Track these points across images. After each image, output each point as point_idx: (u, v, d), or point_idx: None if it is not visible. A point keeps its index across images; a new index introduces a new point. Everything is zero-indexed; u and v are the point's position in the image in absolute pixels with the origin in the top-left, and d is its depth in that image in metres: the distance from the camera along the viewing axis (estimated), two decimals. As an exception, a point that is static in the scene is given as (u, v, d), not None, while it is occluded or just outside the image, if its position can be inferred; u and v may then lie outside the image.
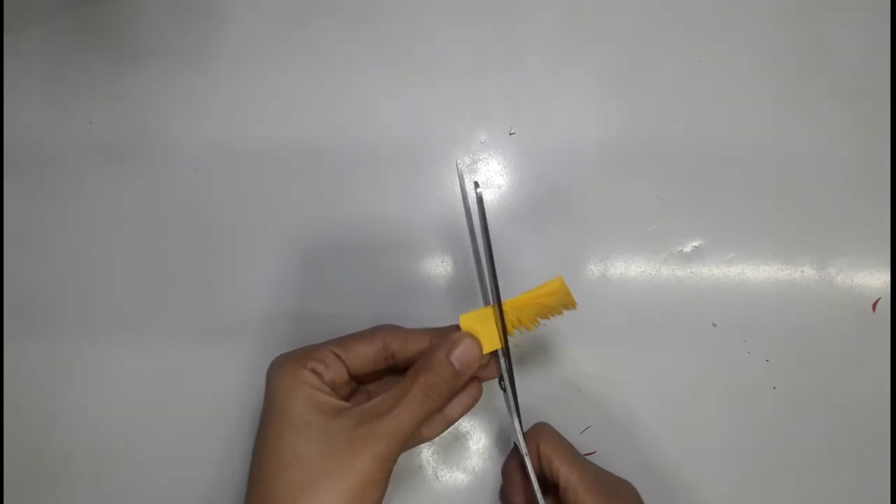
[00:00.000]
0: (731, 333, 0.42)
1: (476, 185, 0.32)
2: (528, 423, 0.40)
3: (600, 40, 0.45)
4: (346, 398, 0.32)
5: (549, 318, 0.34)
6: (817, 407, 0.41)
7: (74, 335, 0.41)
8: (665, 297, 0.42)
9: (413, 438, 0.32)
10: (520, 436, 0.34)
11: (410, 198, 0.43)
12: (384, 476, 0.29)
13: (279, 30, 0.45)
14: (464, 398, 0.34)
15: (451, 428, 0.40)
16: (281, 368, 0.31)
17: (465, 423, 0.41)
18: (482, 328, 0.32)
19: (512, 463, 0.36)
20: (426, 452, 0.40)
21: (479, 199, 0.31)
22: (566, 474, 0.32)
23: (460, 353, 0.31)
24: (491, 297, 0.33)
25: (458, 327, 0.33)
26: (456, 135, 0.44)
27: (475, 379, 0.34)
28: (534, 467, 0.33)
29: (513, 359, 0.41)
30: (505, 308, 0.33)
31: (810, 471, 0.40)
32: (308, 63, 0.45)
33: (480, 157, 0.44)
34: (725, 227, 0.43)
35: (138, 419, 0.41)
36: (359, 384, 0.35)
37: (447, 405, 0.33)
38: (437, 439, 0.40)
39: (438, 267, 0.42)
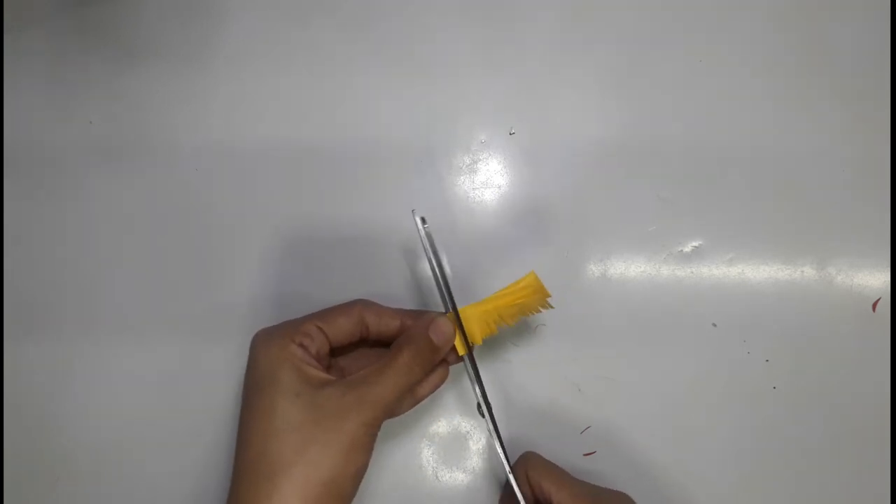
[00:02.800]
0: (731, 333, 0.42)
1: (423, 220, 0.35)
2: (522, 436, 0.41)
3: (600, 40, 0.45)
4: (325, 371, 0.33)
5: (528, 315, 0.37)
6: (817, 407, 0.41)
7: (74, 335, 0.41)
8: (665, 297, 0.42)
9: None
10: (501, 451, 0.35)
11: (410, 198, 0.43)
12: (370, 441, 0.31)
13: (279, 30, 0.45)
14: (433, 378, 0.36)
15: (450, 428, 0.41)
16: (268, 342, 0.33)
17: (465, 424, 0.41)
18: (466, 324, 0.35)
19: (504, 496, 0.38)
20: (426, 452, 0.40)
21: (429, 235, 0.35)
22: (556, 493, 0.34)
23: (438, 329, 0.33)
24: (452, 307, 0.35)
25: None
26: (456, 135, 0.44)
27: (443, 362, 0.36)
28: (526, 494, 0.35)
29: (511, 358, 0.41)
30: (486, 307, 0.35)
31: (810, 471, 0.40)
32: (308, 63, 0.45)
33: (480, 157, 0.44)
34: (725, 227, 0.43)
35: (138, 419, 0.41)
36: (332, 357, 0.36)
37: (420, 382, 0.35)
38: (436, 439, 0.41)
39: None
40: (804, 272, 0.42)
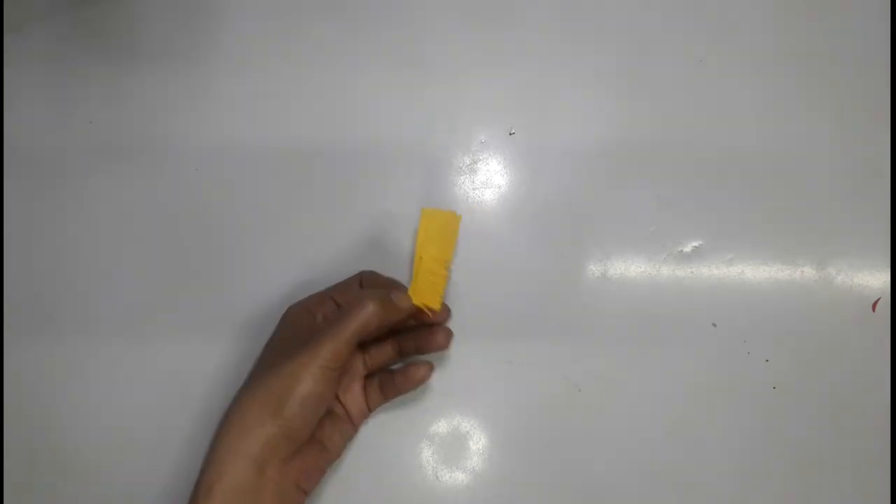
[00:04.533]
0: (731, 333, 0.42)
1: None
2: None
3: (600, 40, 0.45)
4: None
5: (455, 245, 0.39)
6: (817, 407, 0.41)
7: (74, 335, 0.41)
8: (665, 297, 0.42)
9: (367, 398, 0.39)
10: None
11: (410, 198, 0.43)
12: (322, 374, 0.33)
13: (279, 30, 0.45)
14: (414, 372, 0.38)
15: (450, 428, 0.41)
16: (293, 311, 0.38)
17: (464, 423, 0.41)
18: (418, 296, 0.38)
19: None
20: (426, 452, 0.40)
21: None
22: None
23: (398, 297, 0.36)
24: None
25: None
26: (456, 135, 0.44)
27: (427, 363, 0.38)
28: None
29: (511, 358, 0.41)
30: (419, 271, 0.38)
31: (810, 471, 0.40)
32: (308, 63, 0.45)
33: (480, 157, 0.44)
34: (725, 227, 0.43)
35: (138, 419, 0.41)
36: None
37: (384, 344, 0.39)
38: (436, 439, 0.40)
39: (438, 267, 0.42)
40: (804, 272, 0.42)
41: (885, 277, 0.42)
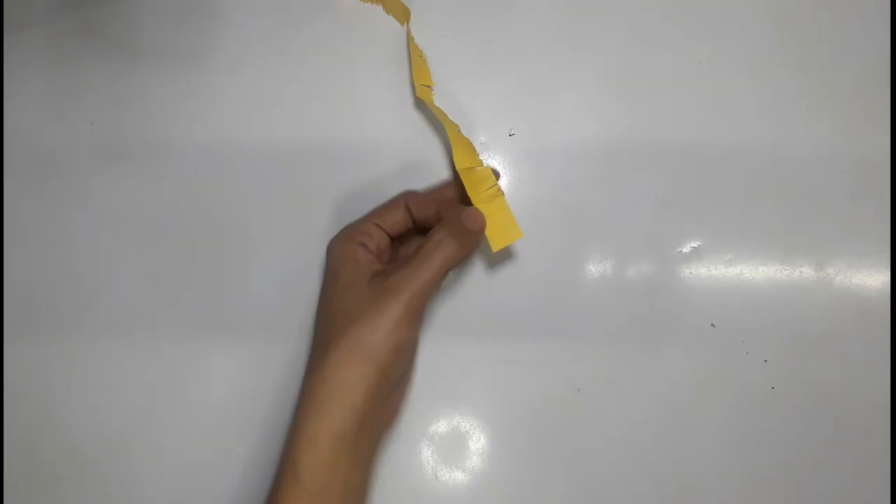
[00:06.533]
0: (730, 333, 0.42)
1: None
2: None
3: (600, 40, 0.45)
4: (391, 261, 0.39)
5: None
6: (816, 407, 0.41)
7: (74, 335, 0.42)
8: (664, 297, 0.42)
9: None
10: None
11: (410, 198, 0.43)
12: (410, 320, 0.35)
13: (279, 29, 0.45)
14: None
15: (450, 427, 0.41)
16: (336, 245, 0.38)
17: (464, 423, 0.41)
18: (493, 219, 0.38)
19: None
20: (426, 452, 0.41)
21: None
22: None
23: (470, 218, 0.36)
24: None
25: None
26: (456, 135, 0.44)
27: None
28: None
29: (511, 357, 0.41)
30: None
31: (810, 471, 0.40)
32: (308, 63, 0.45)
33: (480, 158, 0.44)
34: (724, 227, 0.43)
35: (139, 419, 0.41)
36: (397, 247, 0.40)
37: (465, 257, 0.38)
38: (436, 439, 0.41)
39: (438, 267, 0.42)
40: (803, 273, 0.42)
41: (885, 278, 0.42)
